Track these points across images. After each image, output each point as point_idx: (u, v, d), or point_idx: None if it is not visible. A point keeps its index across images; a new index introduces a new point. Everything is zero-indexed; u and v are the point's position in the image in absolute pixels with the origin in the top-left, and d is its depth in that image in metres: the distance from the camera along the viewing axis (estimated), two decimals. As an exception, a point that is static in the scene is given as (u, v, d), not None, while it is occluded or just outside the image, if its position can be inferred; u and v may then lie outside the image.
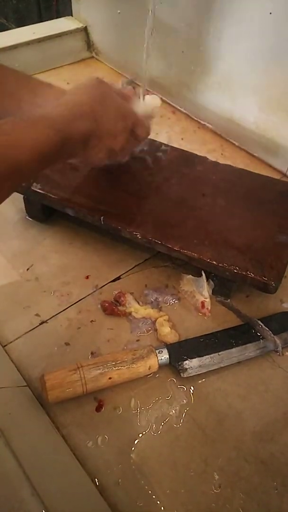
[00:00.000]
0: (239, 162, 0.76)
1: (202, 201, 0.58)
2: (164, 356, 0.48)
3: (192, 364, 0.48)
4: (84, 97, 0.48)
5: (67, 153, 0.47)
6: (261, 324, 0.50)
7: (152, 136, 0.73)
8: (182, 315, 0.54)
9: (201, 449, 0.44)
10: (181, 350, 0.49)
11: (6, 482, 0.39)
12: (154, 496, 0.41)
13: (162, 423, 0.45)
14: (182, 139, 0.81)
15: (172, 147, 0.66)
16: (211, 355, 0.49)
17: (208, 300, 0.55)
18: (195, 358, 0.48)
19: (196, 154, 0.66)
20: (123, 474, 0.42)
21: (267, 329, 0.49)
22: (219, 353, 0.49)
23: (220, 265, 0.51)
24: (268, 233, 0.54)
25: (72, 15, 1.03)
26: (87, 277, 0.58)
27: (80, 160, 0.55)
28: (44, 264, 0.59)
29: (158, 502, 0.41)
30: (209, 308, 0.55)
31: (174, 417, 0.46)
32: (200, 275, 0.55)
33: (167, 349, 0.48)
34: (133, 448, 0.44)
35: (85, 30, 1.01)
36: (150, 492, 0.41)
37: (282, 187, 0.61)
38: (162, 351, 0.48)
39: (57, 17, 1.09)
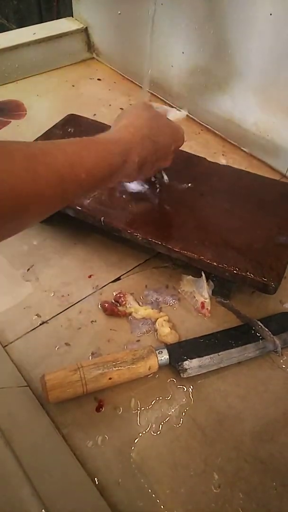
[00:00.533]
0: (239, 163, 0.76)
1: (202, 202, 0.58)
2: (164, 356, 0.48)
3: (192, 365, 0.48)
4: (140, 121, 0.48)
5: (121, 176, 0.46)
6: (261, 324, 0.50)
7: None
8: (182, 316, 0.55)
9: (200, 449, 0.44)
10: (181, 351, 0.49)
11: (6, 482, 0.39)
12: (154, 496, 0.41)
13: (162, 423, 0.46)
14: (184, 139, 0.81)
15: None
16: (211, 356, 0.49)
17: (208, 300, 0.55)
18: (195, 358, 0.48)
19: (196, 155, 0.66)
20: (123, 473, 0.42)
21: (266, 329, 0.49)
22: (219, 353, 0.49)
23: (220, 266, 0.51)
24: (268, 234, 0.54)
25: (72, 16, 1.04)
26: (90, 276, 0.58)
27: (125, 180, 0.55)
28: (45, 265, 0.60)
29: (158, 501, 0.41)
30: (209, 308, 0.55)
31: (174, 417, 0.46)
32: (200, 276, 0.55)
33: (167, 349, 0.48)
34: (133, 448, 0.44)
35: (85, 31, 1.01)
36: (150, 491, 0.41)
37: (282, 188, 0.61)
38: (162, 352, 0.48)
39: (57, 18, 1.10)
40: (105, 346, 0.51)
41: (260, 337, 0.50)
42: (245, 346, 0.50)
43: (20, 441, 0.42)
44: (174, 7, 0.77)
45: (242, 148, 0.79)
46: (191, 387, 0.48)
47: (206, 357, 0.49)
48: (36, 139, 0.65)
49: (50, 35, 0.96)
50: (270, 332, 0.49)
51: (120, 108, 0.87)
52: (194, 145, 0.80)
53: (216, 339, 0.51)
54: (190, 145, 0.79)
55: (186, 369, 0.48)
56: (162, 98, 0.91)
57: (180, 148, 0.67)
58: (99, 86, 0.95)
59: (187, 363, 0.48)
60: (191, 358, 0.48)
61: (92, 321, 0.54)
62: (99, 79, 0.97)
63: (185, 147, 0.75)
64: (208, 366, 0.49)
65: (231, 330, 0.52)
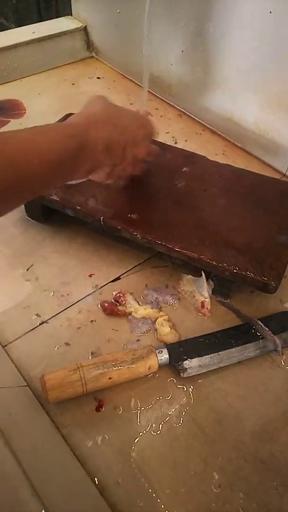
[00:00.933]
0: (239, 162, 0.76)
1: (202, 201, 0.58)
2: (164, 356, 0.48)
3: (192, 364, 0.48)
4: (97, 107, 0.47)
5: (87, 163, 0.43)
6: (261, 324, 0.50)
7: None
8: (182, 315, 0.54)
9: (201, 448, 0.44)
10: (181, 350, 0.49)
11: (6, 482, 0.39)
12: (154, 495, 0.41)
13: (162, 423, 0.46)
14: (184, 139, 0.81)
15: (171, 146, 0.66)
16: (211, 355, 0.49)
17: (208, 300, 0.55)
18: (195, 358, 0.48)
19: (196, 154, 0.66)
20: (123, 473, 0.42)
21: (266, 329, 0.49)
22: (219, 353, 0.49)
23: (219, 265, 0.51)
24: (268, 233, 0.54)
25: (71, 15, 1.03)
26: (91, 275, 0.58)
27: (106, 174, 0.49)
28: (44, 264, 0.59)
29: (158, 500, 0.41)
30: (209, 308, 0.55)
31: (174, 417, 0.46)
32: (200, 275, 0.55)
33: (167, 349, 0.48)
34: (133, 448, 0.44)
35: (84, 29, 1.01)
36: (150, 491, 0.41)
37: (282, 187, 0.61)
38: (162, 351, 0.48)
39: (56, 17, 1.09)
40: (105, 345, 0.51)
41: (260, 337, 0.50)
42: (245, 346, 0.50)
43: (19, 441, 0.42)
44: (173, 5, 0.76)
45: (242, 147, 0.79)
46: (191, 386, 0.48)
47: (206, 356, 0.49)
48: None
49: (49, 34, 0.96)
50: (270, 332, 0.49)
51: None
52: (194, 144, 0.80)
53: (216, 339, 0.51)
54: (190, 144, 0.79)
55: (186, 369, 0.48)
56: (161, 97, 0.91)
57: (180, 147, 0.67)
58: (98, 85, 0.95)
59: (187, 363, 0.48)
60: (191, 358, 0.48)
61: (91, 321, 0.54)
62: (98, 78, 0.97)
63: (185, 146, 0.76)
64: (208, 366, 0.49)
65: (231, 330, 0.52)
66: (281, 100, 0.69)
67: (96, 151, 0.44)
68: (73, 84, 0.95)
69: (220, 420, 0.46)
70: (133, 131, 0.48)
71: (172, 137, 0.81)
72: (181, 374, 0.48)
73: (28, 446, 0.42)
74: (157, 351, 0.48)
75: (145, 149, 0.51)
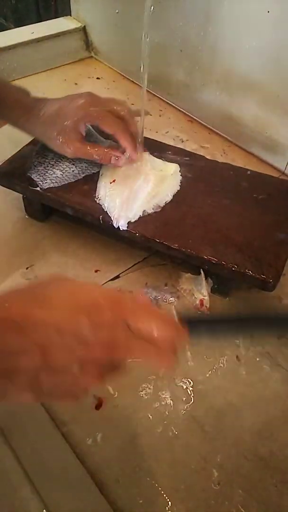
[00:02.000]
0: (238, 160, 0.76)
1: (200, 199, 0.58)
2: None
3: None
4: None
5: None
6: None
7: (152, 135, 0.74)
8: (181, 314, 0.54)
9: (200, 446, 0.44)
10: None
11: (6, 480, 0.40)
12: (154, 494, 0.41)
13: (162, 421, 0.46)
14: (183, 138, 0.81)
15: (170, 145, 0.67)
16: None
17: (207, 298, 0.55)
18: None
19: (195, 153, 0.66)
20: (122, 471, 0.42)
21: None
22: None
23: (219, 263, 0.51)
24: (266, 231, 0.54)
25: (71, 15, 1.04)
26: (96, 271, 0.58)
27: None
28: (44, 263, 0.60)
29: (159, 499, 0.41)
30: (208, 306, 0.55)
31: (173, 414, 0.46)
32: (199, 273, 0.55)
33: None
34: (132, 446, 0.44)
35: (84, 29, 1.01)
36: (149, 489, 0.41)
37: (281, 185, 0.61)
38: None
39: (56, 17, 1.10)
40: (105, 344, 0.51)
41: None
42: None
43: (19, 439, 0.42)
44: (172, 4, 0.76)
45: (241, 146, 0.79)
46: (191, 384, 0.48)
47: None
48: (35, 138, 0.64)
49: (49, 34, 0.96)
50: None
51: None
52: (193, 143, 0.80)
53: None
54: (189, 143, 0.79)
55: None
56: (160, 96, 0.91)
57: (179, 146, 0.67)
58: (98, 85, 0.95)
59: None
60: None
61: (91, 319, 0.54)
62: (98, 78, 0.97)
63: (184, 145, 0.76)
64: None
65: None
66: (279, 98, 0.69)
67: None
68: (74, 84, 0.95)
69: (220, 417, 0.46)
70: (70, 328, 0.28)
71: (172, 136, 0.81)
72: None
73: (28, 444, 0.42)
74: None
75: (107, 350, 0.29)
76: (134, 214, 0.54)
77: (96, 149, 0.55)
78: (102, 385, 0.33)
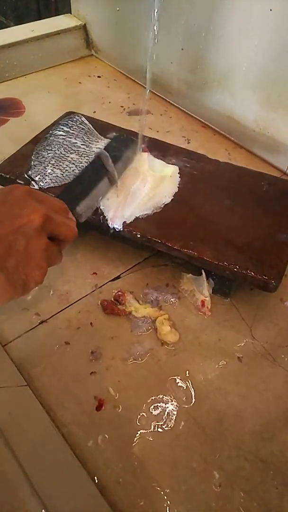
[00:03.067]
0: (239, 160, 0.76)
1: (202, 200, 0.57)
2: None
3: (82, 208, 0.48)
4: None
5: None
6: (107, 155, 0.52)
7: (153, 134, 0.73)
8: (182, 314, 0.54)
9: (201, 448, 0.44)
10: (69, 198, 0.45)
11: (6, 481, 0.39)
12: (154, 496, 0.41)
13: (162, 422, 0.45)
14: (184, 137, 0.80)
15: (171, 145, 0.66)
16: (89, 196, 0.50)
17: (208, 299, 0.54)
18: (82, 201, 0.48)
19: (196, 152, 0.66)
20: (123, 473, 0.42)
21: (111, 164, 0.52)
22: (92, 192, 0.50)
23: (220, 264, 0.50)
24: (268, 232, 0.54)
25: (71, 13, 1.03)
26: (95, 274, 0.58)
27: None
28: (44, 263, 0.59)
29: (159, 501, 0.41)
30: (209, 307, 0.54)
31: (174, 416, 0.46)
32: (200, 274, 0.55)
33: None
34: (133, 447, 0.44)
35: (84, 27, 1.00)
36: (150, 490, 0.41)
37: (283, 186, 0.61)
38: None
39: (56, 15, 1.09)
40: (105, 344, 0.51)
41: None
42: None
43: (19, 441, 0.42)
44: (173, 3, 0.76)
45: (242, 145, 0.79)
46: (192, 385, 0.48)
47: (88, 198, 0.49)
48: (35, 137, 0.64)
49: (49, 32, 0.95)
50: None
51: (121, 106, 0.87)
52: (194, 142, 0.79)
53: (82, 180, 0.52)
54: (190, 143, 0.79)
55: (81, 214, 0.47)
56: (161, 95, 0.90)
57: (179, 146, 0.67)
58: (98, 83, 0.95)
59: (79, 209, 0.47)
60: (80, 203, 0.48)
61: (91, 320, 0.53)
62: (99, 77, 0.97)
63: (184, 145, 0.75)
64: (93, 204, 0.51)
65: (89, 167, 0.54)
66: (281, 98, 0.68)
67: None
68: (72, 82, 0.94)
69: (221, 419, 0.46)
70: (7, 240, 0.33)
71: (173, 135, 0.81)
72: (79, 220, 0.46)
73: (28, 445, 0.42)
74: None
75: (41, 258, 0.35)
76: (130, 215, 0.54)
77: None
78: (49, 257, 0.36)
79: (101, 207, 0.55)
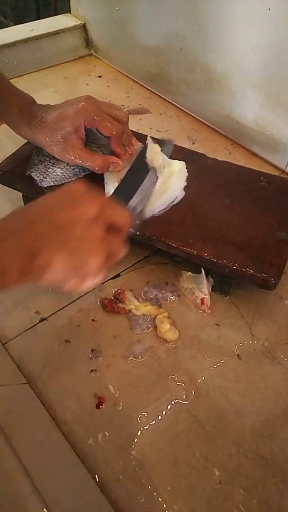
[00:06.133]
0: (238, 159, 0.76)
1: (201, 198, 0.58)
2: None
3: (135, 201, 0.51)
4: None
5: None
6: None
7: (153, 133, 0.73)
8: (182, 312, 0.54)
9: (201, 445, 0.44)
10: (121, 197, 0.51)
11: (7, 479, 0.39)
12: (154, 492, 0.41)
13: (162, 420, 0.46)
14: (184, 136, 0.81)
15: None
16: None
17: (207, 296, 0.55)
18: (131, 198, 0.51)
19: (195, 151, 0.66)
20: (123, 470, 0.42)
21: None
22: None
23: (219, 262, 0.51)
24: (267, 230, 0.54)
25: (70, 12, 1.03)
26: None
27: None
28: (44, 262, 0.59)
29: (159, 499, 0.41)
30: (209, 304, 0.55)
31: (174, 413, 0.46)
32: (200, 272, 0.55)
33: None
34: (133, 445, 0.44)
35: (83, 27, 1.00)
36: (150, 488, 0.41)
37: (282, 184, 0.61)
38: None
39: (55, 14, 1.09)
40: (105, 343, 0.51)
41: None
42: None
43: (20, 438, 0.42)
44: (173, 3, 0.76)
45: (242, 144, 0.79)
46: (191, 383, 0.48)
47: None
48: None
49: (48, 32, 0.95)
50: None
51: (122, 105, 0.87)
52: (194, 141, 0.79)
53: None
54: (189, 142, 0.79)
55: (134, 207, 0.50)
56: (161, 95, 0.91)
57: (179, 145, 0.67)
58: (98, 83, 0.95)
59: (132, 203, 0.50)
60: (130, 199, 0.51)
61: (91, 318, 0.54)
62: (99, 76, 0.97)
63: (184, 144, 0.75)
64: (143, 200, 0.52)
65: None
66: (280, 97, 0.69)
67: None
68: (72, 82, 0.95)
69: (221, 417, 0.46)
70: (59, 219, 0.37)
71: (172, 134, 0.81)
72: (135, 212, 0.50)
73: (29, 443, 0.42)
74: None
75: (97, 245, 0.38)
76: (147, 212, 0.55)
77: (95, 159, 0.55)
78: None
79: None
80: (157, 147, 0.58)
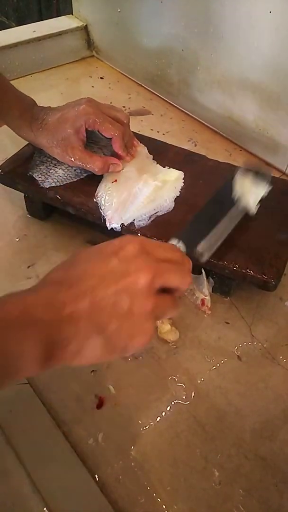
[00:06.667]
0: (239, 160, 0.76)
1: (201, 200, 0.58)
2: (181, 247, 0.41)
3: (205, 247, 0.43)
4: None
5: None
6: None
7: (153, 135, 0.74)
8: (182, 313, 0.55)
9: (201, 446, 0.44)
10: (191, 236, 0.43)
11: (7, 479, 0.40)
12: (154, 493, 0.41)
13: (162, 420, 0.46)
14: (184, 138, 0.81)
15: (171, 145, 0.66)
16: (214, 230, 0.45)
17: (208, 297, 0.55)
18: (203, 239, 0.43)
19: (196, 153, 0.66)
20: (123, 471, 0.42)
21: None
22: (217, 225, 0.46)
23: (220, 263, 0.51)
24: (268, 231, 0.54)
25: (72, 14, 1.03)
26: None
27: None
28: (45, 262, 0.59)
29: (159, 499, 0.41)
30: (209, 305, 0.55)
31: (174, 414, 0.46)
32: (200, 273, 0.55)
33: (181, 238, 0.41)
34: (133, 445, 0.44)
35: (85, 28, 1.01)
36: (150, 488, 0.41)
37: (282, 185, 0.61)
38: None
39: (57, 16, 1.09)
40: (106, 343, 0.51)
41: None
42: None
43: (20, 438, 0.42)
44: (174, 5, 0.76)
45: (242, 146, 0.79)
46: (192, 384, 0.48)
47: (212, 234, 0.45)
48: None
49: (50, 33, 0.96)
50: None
51: (123, 106, 0.87)
52: (194, 143, 0.80)
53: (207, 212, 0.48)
54: (190, 143, 0.79)
55: (202, 253, 0.43)
56: (161, 96, 0.91)
57: (179, 146, 0.67)
58: (100, 84, 0.95)
59: (200, 247, 0.43)
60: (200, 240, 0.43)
61: (92, 319, 0.54)
62: (101, 78, 0.97)
63: (184, 145, 0.75)
64: (216, 241, 0.45)
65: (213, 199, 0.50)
66: (280, 99, 0.69)
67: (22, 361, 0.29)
68: (73, 83, 0.95)
69: (220, 417, 0.46)
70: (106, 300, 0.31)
71: (173, 136, 0.81)
72: (200, 259, 0.42)
73: (29, 443, 0.42)
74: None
75: (146, 322, 0.32)
76: (128, 216, 0.54)
77: (95, 160, 0.55)
78: (168, 315, 0.35)
79: (102, 207, 0.55)
80: (249, 179, 0.54)
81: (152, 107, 0.88)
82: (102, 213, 0.55)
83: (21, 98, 0.59)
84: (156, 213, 0.55)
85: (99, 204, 0.55)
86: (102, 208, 0.55)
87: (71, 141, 0.55)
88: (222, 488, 0.42)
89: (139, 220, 0.54)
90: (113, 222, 0.54)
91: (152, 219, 0.55)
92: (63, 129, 0.54)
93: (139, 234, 0.53)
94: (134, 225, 0.54)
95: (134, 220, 0.54)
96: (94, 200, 0.56)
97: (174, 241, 0.41)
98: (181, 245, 0.40)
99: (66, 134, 0.54)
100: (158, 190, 0.57)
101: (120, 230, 0.54)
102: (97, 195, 0.56)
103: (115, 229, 0.54)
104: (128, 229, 0.54)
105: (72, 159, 0.56)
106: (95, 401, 0.47)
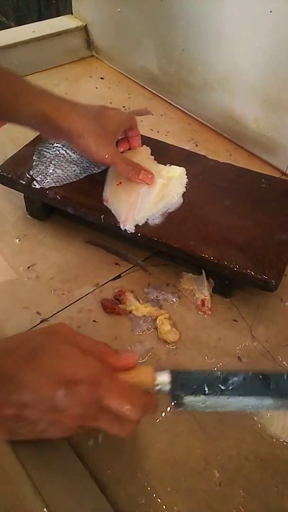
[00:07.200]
0: (239, 160, 0.76)
1: (202, 200, 0.58)
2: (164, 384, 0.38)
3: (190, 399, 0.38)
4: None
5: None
6: None
7: (154, 135, 0.73)
8: (182, 313, 0.55)
9: (201, 447, 0.44)
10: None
11: (8, 480, 0.39)
12: (154, 494, 0.41)
13: (163, 421, 0.45)
14: (185, 138, 0.81)
15: (171, 145, 0.66)
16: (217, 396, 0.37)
17: (208, 298, 0.55)
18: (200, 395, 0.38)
19: (196, 153, 0.66)
20: (124, 472, 0.42)
21: None
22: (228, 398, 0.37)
23: (220, 263, 0.51)
24: (268, 232, 0.54)
25: (72, 14, 1.03)
26: (95, 273, 0.58)
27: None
28: (45, 262, 0.59)
29: (159, 500, 0.41)
30: (210, 306, 0.55)
31: (174, 415, 0.46)
32: (201, 274, 0.55)
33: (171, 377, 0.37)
34: (134, 446, 0.44)
35: (85, 28, 1.01)
36: (150, 489, 0.41)
37: (282, 186, 0.61)
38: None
39: (57, 16, 1.09)
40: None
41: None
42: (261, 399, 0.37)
43: (21, 440, 0.42)
44: (174, 4, 0.76)
45: (242, 146, 0.79)
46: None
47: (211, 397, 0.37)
48: (37, 137, 0.64)
49: (50, 33, 0.96)
50: None
51: (123, 106, 0.87)
52: (195, 143, 0.80)
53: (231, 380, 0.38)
54: (191, 143, 0.79)
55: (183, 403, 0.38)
56: (162, 96, 0.91)
57: (180, 146, 0.67)
58: (99, 84, 0.95)
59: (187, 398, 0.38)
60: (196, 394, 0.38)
61: (92, 319, 0.54)
62: (101, 78, 0.97)
63: (184, 145, 0.75)
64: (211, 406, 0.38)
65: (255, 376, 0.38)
66: (281, 98, 0.69)
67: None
68: (73, 83, 0.95)
69: (221, 418, 0.46)
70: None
71: (173, 136, 0.81)
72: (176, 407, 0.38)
73: (30, 444, 0.42)
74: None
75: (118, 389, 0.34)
76: (142, 217, 0.54)
77: (128, 163, 0.56)
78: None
79: (112, 209, 0.55)
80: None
81: (152, 107, 0.88)
82: (112, 215, 0.55)
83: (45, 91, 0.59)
84: (167, 210, 0.55)
85: (110, 208, 0.55)
86: (113, 212, 0.55)
87: (109, 140, 0.54)
88: (223, 489, 0.42)
89: (153, 219, 0.54)
90: (127, 224, 0.54)
91: (165, 216, 0.55)
92: (103, 125, 0.54)
93: (139, 235, 0.53)
94: (148, 224, 0.54)
95: (147, 220, 0.54)
96: (104, 203, 0.56)
97: (165, 373, 0.38)
98: (166, 378, 0.37)
99: (106, 130, 0.54)
100: (165, 188, 0.57)
101: (133, 232, 0.54)
102: (105, 199, 0.56)
103: (129, 232, 0.54)
104: (142, 229, 0.54)
105: (107, 156, 0.54)
106: (95, 402, 0.46)
